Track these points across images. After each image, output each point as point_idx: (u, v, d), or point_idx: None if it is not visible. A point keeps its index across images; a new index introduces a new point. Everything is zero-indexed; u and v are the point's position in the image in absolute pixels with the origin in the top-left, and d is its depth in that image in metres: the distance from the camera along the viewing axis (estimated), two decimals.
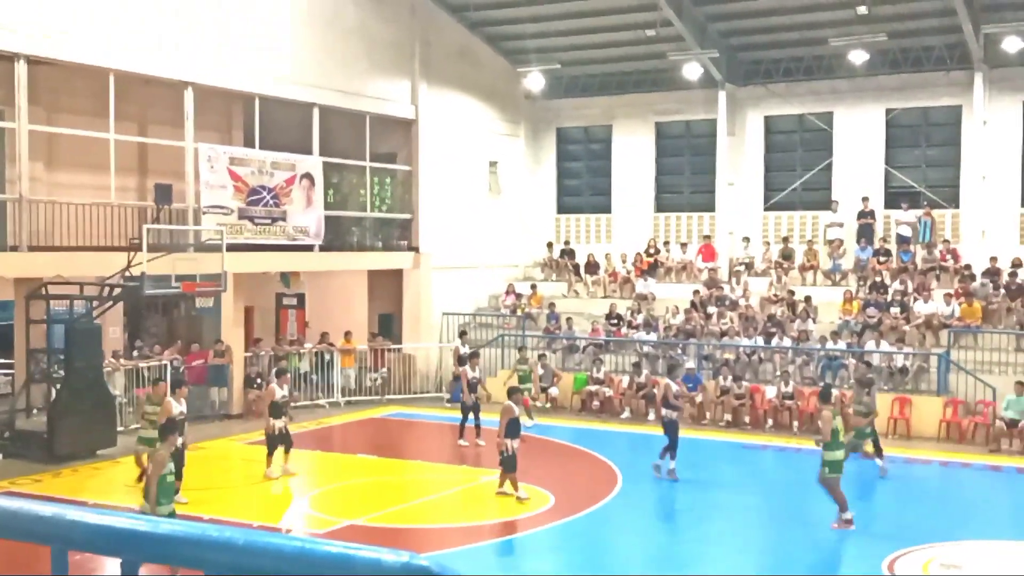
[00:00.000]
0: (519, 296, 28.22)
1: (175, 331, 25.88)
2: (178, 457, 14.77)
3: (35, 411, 19.15)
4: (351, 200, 26.12)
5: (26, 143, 18.34)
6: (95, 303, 18.83)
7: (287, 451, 16.92)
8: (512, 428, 15.28)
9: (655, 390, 21.19)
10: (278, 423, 16.68)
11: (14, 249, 18.30)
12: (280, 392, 17.00)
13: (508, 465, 15.20)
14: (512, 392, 16.11)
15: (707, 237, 28.49)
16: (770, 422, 21.94)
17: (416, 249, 26.58)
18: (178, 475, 14.94)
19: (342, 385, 24.80)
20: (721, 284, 26.72)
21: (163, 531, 1.89)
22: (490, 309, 28.37)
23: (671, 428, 16.86)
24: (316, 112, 23.90)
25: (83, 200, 19.56)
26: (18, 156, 18.36)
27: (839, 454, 14.02)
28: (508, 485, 15.31)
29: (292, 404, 19.71)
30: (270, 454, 16.82)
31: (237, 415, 22.45)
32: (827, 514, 14.11)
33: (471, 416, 19.57)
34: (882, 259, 25.78)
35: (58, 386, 18.40)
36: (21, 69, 18.21)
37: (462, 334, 24.36)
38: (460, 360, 20.73)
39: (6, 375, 21.21)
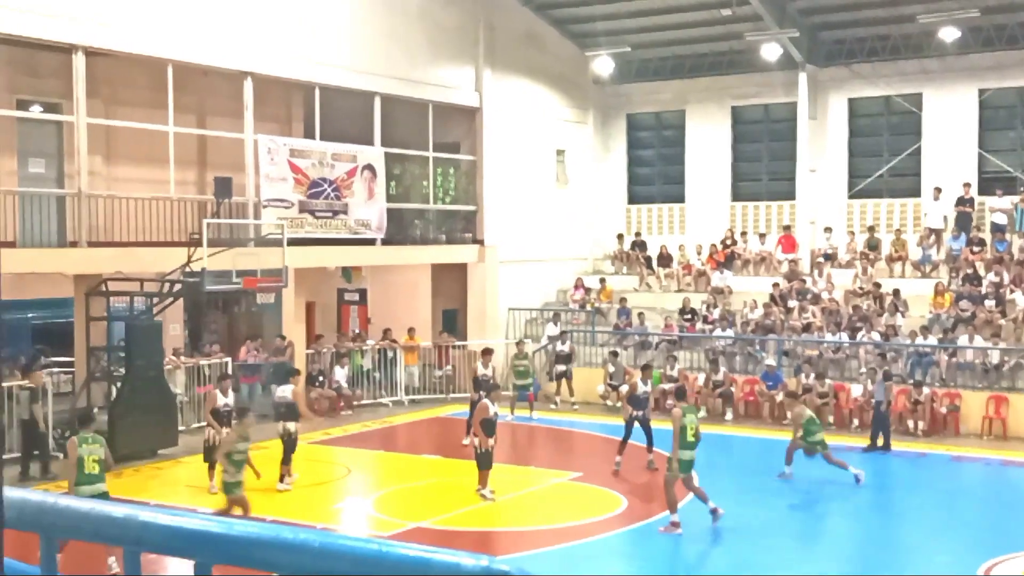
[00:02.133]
0: (588, 290, 28.15)
1: (236, 328, 26.28)
2: (290, 442, 16.09)
3: (95, 410, 19.57)
4: (414, 192, 26.28)
5: (85, 137, 18.76)
6: (155, 299, 19.22)
7: (286, 460, 16.32)
8: (487, 426, 15.61)
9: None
10: (225, 430, 15.49)
11: (74, 245, 18.75)
12: (223, 399, 15.98)
13: (483, 462, 15.60)
14: (488, 388, 16.62)
15: (787, 227, 28.13)
16: (856, 422, 21.59)
17: (481, 242, 26.65)
18: (286, 459, 15.92)
19: (405, 383, 24.98)
20: (802, 276, 26.36)
21: (237, 532, 1.92)
22: (558, 304, 28.34)
23: (643, 423, 17.53)
24: (377, 101, 24.08)
25: (142, 194, 19.96)
26: (77, 150, 18.79)
27: (691, 454, 13.97)
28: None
29: (356, 402, 19.85)
30: (211, 468, 15.79)
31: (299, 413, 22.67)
32: (917, 518, 13.86)
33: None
34: (976, 249, 25.20)
35: (119, 384, 18.82)
36: (79, 61, 18.63)
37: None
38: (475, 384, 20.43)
39: (67, 373, 21.74)
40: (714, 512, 14.01)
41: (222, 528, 1.92)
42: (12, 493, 1.92)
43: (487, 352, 20.91)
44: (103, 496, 11.99)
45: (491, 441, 15.67)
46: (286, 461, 16.44)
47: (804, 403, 17.96)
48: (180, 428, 19.53)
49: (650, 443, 17.69)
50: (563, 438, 21.49)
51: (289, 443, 16.52)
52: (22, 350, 21.25)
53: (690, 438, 14.00)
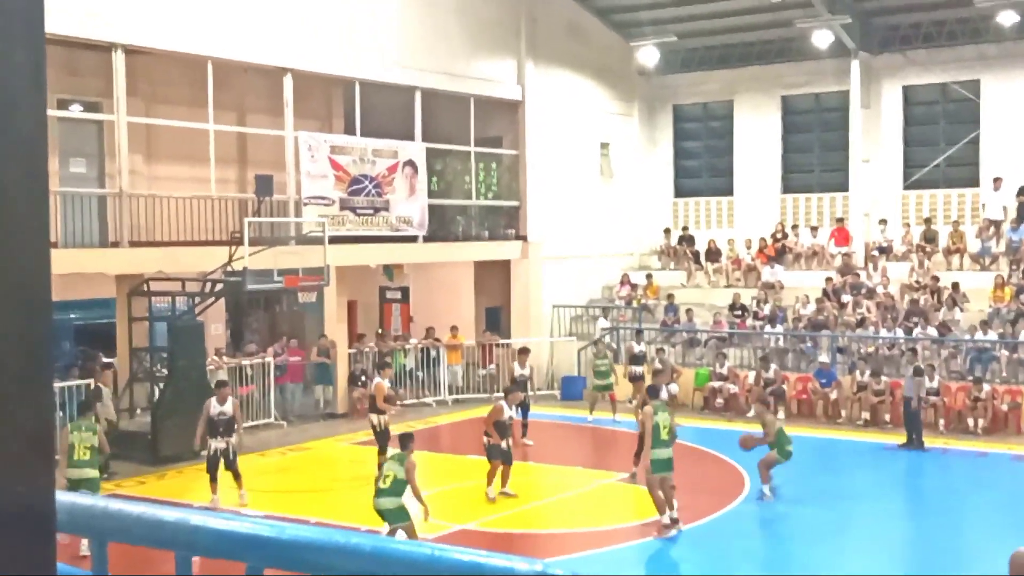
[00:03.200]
0: (634, 287, 28.07)
1: (277, 328, 26.53)
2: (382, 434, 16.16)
3: (138, 411, 19.88)
4: (455, 187, 26.36)
5: (125, 136, 19.02)
6: (197, 299, 19.44)
7: (236, 479, 15.79)
8: (500, 429, 15.54)
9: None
10: (216, 443, 15.53)
11: (115, 245, 19.03)
12: (217, 408, 15.66)
13: (496, 454, 15.52)
14: (508, 391, 16.51)
15: (840, 220, 27.86)
16: None
17: (524, 238, 26.67)
18: (235, 474, 15.58)
19: (449, 382, 25.07)
20: (856, 270, 26.11)
21: (288, 536, 1.94)
22: (604, 301, 28.29)
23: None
24: (418, 96, 24.17)
25: (183, 193, 20.19)
26: (117, 149, 19.06)
27: (666, 452, 13.74)
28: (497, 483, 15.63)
29: (400, 402, 19.98)
30: (213, 479, 15.56)
31: (342, 414, 22.91)
32: (978, 523, 13.67)
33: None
34: None
35: (161, 385, 19.06)
36: (119, 59, 18.88)
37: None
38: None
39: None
40: (670, 525, 13.61)
41: (273, 532, 1.94)
42: (62, 497, 1.95)
43: (524, 352, 20.92)
44: (90, 482, 13.15)
45: (503, 444, 15.59)
46: (382, 452, 16.77)
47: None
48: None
49: (525, 425, 17.78)
50: (617, 439, 21.44)
51: (382, 435, 17.03)
52: (72, 351, 21.67)
53: (664, 436, 13.77)
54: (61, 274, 17.68)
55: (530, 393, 20.73)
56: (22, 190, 1.71)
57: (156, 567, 2.49)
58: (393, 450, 14.84)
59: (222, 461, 15.53)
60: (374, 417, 17.43)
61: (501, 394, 24.92)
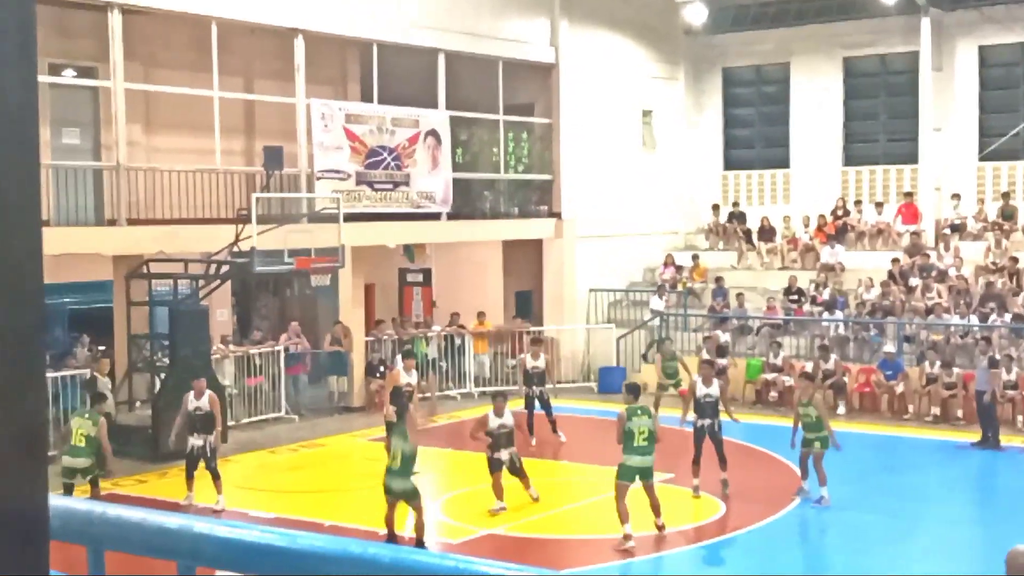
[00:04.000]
0: (679, 268, 28.00)
1: (288, 313, 26.68)
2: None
3: (138, 404, 20.05)
4: (482, 160, 26.35)
5: (123, 103, 19.13)
6: (201, 282, 19.56)
7: (214, 480, 15.82)
8: (492, 439, 15.10)
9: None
10: (193, 440, 15.72)
11: (112, 223, 19.16)
12: (194, 403, 15.82)
13: (495, 468, 15.14)
14: (495, 396, 16.06)
15: (908, 195, 27.66)
16: None
17: (558, 215, 26.64)
18: (214, 475, 15.78)
19: (475, 373, 25.12)
20: (926, 251, 25.93)
21: (300, 546, 1.94)
22: (645, 284, 28.24)
23: (712, 436, 16.29)
24: (442, 59, 24.16)
25: (186, 166, 20.31)
26: (114, 118, 19.17)
27: (639, 460, 13.51)
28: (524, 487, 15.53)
29: (422, 395, 20.02)
30: (189, 476, 15.83)
31: (359, 408, 23.01)
32: None
33: (538, 407, 19.91)
34: None
35: (162, 376, 19.21)
36: (115, 20, 18.97)
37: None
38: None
39: None
40: (623, 539, 13.42)
41: (284, 541, 1.95)
42: (57, 502, 1.96)
43: (536, 342, 20.87)
44: (86, 471, 14.38)
45: (503, 454, 15.20)
46: None
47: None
48: (230, 423, 19.87)
49: (722, 460, 16.11)
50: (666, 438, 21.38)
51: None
52: (65, 338, 21.89)
53: (640, 443, 13.56)
54: (54, 255, 17.82)
55: (550, 386, 20.60)
56: (11, 166, 1.71)
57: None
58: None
59: (201, 460, 15.69)
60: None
61: (515, 387, 25.10)
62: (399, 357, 21.08)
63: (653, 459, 13.80)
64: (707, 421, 16.14)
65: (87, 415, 14.75)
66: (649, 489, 13.76)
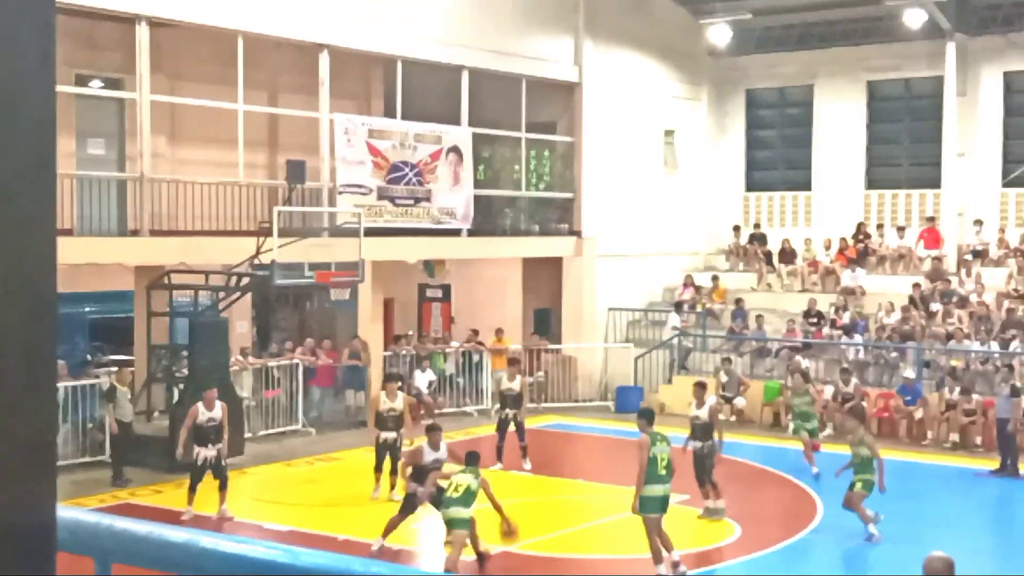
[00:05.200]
0: (699, 289, 27.94)
1: (307, 326, 26.74)
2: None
3: (156, 414, 20.10)
4: (504, 177, 26.38)
5: (148, 115, 19.24)
6: (221, 294, 19.63)
7: (222, 488, 15.78)
8: (417, 473, 14.19)
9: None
10: (206, 451, 15.69)
11: (135, 234, 19.26)
12: (206, 413, 15.72)
13: (407, 506, 14.26)
14: (430, 429, 14.91)
15: (930, 219, 27.56)
16: None
17: (578, 234, 26.64)
18: (223, 482, 15.78)
19: (493, 390, 25.09)
20: (947, 276, 25.82)
21: (305, 563, 1.95)
22: (665, 304, 28.19)
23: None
24: (465, 76, 24.23)
25: (209, 179, 20.40)
26: (139, 130, 19.28)
27: (663, 489, 13.17)
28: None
29: (438, 411, 20.03)
30: (192, 490, 15.69)
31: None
32: None
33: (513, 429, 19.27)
34: None
35: (180, 387, 19.26)
36: (142, 32, 19.09)
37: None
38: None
39: None
40: (672, 565, 13.17)
41: (288, 558, 1.95)
42: (65, 513, 1.97)
43: (513, 362, 20.58)
44: None
45: (422, 487, 14.07)
46: (378, 468, 16.97)
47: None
48: (247, 435, 19.90)
49: (702, 485, 15.78)
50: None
51: (383, 448, 17.12)
52: (85, 347, 22.00)
53: (661, 471, 13.24)
54: (76, 264, 17.95)
55: (529, 406, 20.21)
56: (28, 178, 1.72)
57: None
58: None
59: (210, 471, 15.68)
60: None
61: (553, 404, 25.11)
62: (417, 371, 20.90)
63: (670, 488, 13.53)
64: (697, 444, 15.86)
65: None
66: (656, 524, 13.33)
